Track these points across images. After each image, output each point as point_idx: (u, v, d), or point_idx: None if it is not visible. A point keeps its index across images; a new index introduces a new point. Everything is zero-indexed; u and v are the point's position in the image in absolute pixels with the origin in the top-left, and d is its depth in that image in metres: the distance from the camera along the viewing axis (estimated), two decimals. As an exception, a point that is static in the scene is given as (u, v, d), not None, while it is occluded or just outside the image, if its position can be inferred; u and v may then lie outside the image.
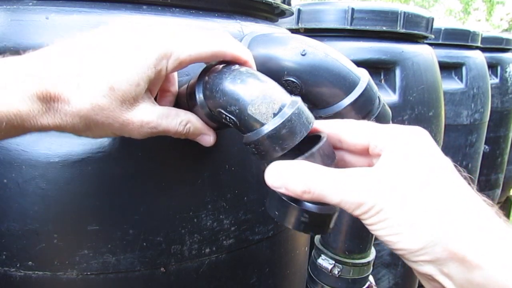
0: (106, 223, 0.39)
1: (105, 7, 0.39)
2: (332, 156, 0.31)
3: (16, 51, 0.36)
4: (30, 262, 0.38)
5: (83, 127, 0.29)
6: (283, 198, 0.30)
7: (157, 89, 0.34)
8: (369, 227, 0.27)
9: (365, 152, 0.31)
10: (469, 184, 0.27)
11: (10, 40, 0.36)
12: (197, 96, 0.33)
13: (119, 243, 0.39)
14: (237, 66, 0.33)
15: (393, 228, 0.26)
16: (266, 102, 0.30)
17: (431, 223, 0.25)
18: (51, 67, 0.28)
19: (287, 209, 0.31)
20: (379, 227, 0.26)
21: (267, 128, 0.30)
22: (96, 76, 0.28)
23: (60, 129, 0.29)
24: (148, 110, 0.31)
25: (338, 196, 0.27)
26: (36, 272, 0.39)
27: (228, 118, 0.32)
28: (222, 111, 0.32)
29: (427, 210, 0.25)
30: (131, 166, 0.39)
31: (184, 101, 0.37)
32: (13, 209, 0.37)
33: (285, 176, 0.28)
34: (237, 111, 0.31)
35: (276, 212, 0.31)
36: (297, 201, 0.30)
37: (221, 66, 0.34)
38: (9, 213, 0.38)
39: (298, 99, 0.31)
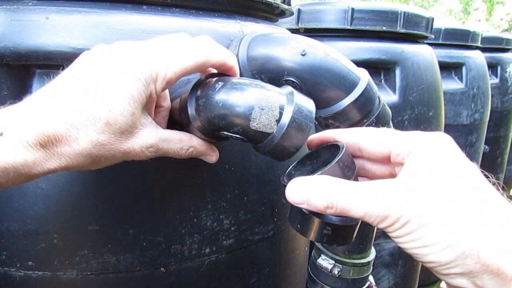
0: (106, 223, 0.39)
1: (105, 7, 0.39)
2: (353, 167, 0.31)
3: (17, 53, 0.36)
4: (30, 262, 0.38)
5: (89, 164, 0.29)
6: (305, 211, 0.30)
7: (153, 107, 0.35)
8: (396, 240, 0.26)
9: (386, 160, 0.31)
10: (498, 189, 0.26)
11: (10, 40, 0.36)
12: (189, 112, 0.33)
13: (119, 243, 0.39)
14: (220, 83, 0.32)
15: (421, 240, 0.25)
16: (265, 112, 0.30)
17: (462, 234, 0.24)
18: (46, 111, 0.28)
19: (309, 222, 0.31)
20: (407, 240, 0.25)
21: (276, 136, 0.30)
22: (90, 114, 0.28)
23: (68, 169, 0.29)
24: (148, 135, 0.31)
25: (362, 209, 0.26)
26: (36, 272, 0.39)
27: (234, 137, 0.32)
28: (226, 133, 0.32)
29: (457, 220, 0.24)
30: (131, 166, 0.39)
31: (177, 114, 0.36)
32: (13, 209, 0.37)
33: (306, 192, 0.28)
34: (240, 130, 0.31)
35: (298, 226, 0.31)
36: (318, 214, 0.30)
37: (210, 80, 0.33)
38: (9, 213, 0.38)
39: (293, 92, 0.31)
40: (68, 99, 0.28)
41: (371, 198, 0.26)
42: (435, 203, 0.25)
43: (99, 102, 0.28)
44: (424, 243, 0.25)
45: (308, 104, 0.31)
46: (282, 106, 0.30)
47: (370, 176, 0.34)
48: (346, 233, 0.31)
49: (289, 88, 0.32)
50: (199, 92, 0.33)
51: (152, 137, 0.31)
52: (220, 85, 0.32)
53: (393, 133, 0.31)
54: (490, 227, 0.24)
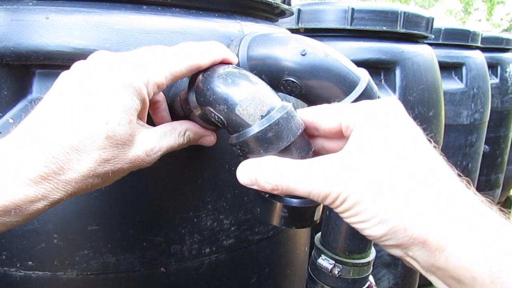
0: (106, 223, 0.39)
1: (105, 7, 0.39)
2: (307, 148, 0.31)
3: (17, 53, 0.36)
4: (30, 262, 0.38)
5: (99, 183, 0.29)
6: (262, 194, 0.31)
7: (146, 112, 0.34)
8: (341, 215, 0.27)
9: (340, 135, 0.31)
10: (442, 156, 0.28)
11: (10, 40, 0.36)
12: (190, 98, 0.33)
13: (119, 243, 0.39)
14: (230, 67, 0.33)
15: (359, 216, 0.26)
16: (254, 104, 0.30)
17: (391, 211, 0.25)
18: (42, 141, 0.26)
19: (267, 206, 0.31)
20: (348, 215, 0.27)
21: (253, 129, 0.30)
22: (87, 132, 0.27)
23: (80, 193, 0.28)
24: (146, 138, 0.31)
25: (305, 188, 0.27)
26: (36, 272, 0.39)
27: (216, 117, 0.32)
28: (211, 109, 0.32)
29: (389, 196, 0.26)
30: (131, 166, 0.39)
31: (179, 106, 0.36)
32: (13, 209, 0.37)
33: (254, 174, 0.29)
34: (225, 110, 0.31)
35: (258, 209, 0.32)
36: (278, 196, 0.30)
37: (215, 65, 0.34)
38: (9, 213, 0.38)
39: (289, 105, 0.31)
40: (61, 122, 0.27)
41: (313, 177, 0.27)
42: (370, 180, 0.26)
43: (94, 118, 0.27)
44: (361, 218, 0.26)
45: (298, 121, 0.31)
46: (273, 107, 0.30)
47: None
48: (303, 215, 0.31)
49: (289, 102, 0.32)
50: (200, 76, 0.33)
51: (151, 139, 0.31)
52: (223, 69, 0.33)
53: (344, 106, 0.31)
54: (420, 201, 0.25)
